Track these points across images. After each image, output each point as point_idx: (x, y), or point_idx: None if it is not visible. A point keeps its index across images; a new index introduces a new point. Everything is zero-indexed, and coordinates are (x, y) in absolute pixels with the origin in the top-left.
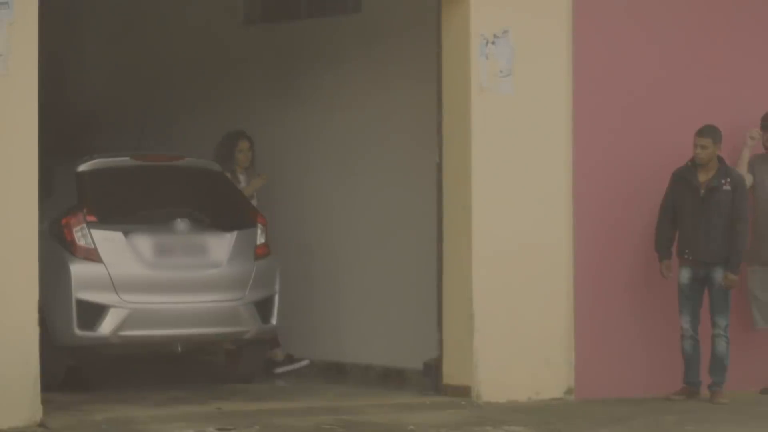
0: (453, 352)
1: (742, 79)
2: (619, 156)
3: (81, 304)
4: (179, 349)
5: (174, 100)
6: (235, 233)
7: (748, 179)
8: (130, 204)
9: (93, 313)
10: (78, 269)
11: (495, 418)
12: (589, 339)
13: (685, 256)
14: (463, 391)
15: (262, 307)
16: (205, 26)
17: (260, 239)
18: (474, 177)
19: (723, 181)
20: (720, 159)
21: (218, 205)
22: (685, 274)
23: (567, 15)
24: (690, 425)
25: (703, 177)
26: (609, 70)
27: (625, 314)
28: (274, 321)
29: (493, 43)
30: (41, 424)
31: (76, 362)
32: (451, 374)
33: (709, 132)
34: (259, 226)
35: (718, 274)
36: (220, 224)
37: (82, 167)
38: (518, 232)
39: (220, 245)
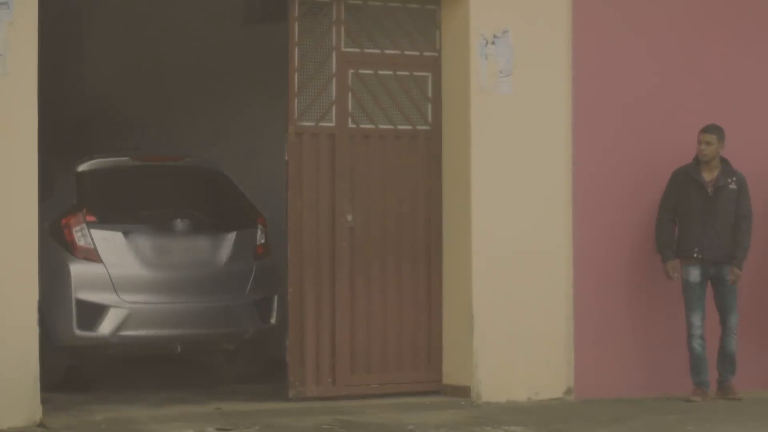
0: (453, 353)
1: (740, 80)
2: (619, 156)
3: (81, 304)
4: (179, 349)
5: (174, 100)
6: (235, 233)
7: None
8: (130, 204)
9: (93, 313)
10: (78, 269)
11: (494, 418)
12: (588, 339)
13: (695, 255)
14: (463, 391)
15: (262, 307)
16: (205, 26)
17: (260, 239)
18: (474, 177)
19: (729, 180)
20: (723, 159)
21: (218, 205)
22: (694, 273)
23: (566, 15)
24: (690, 425)
25: (708, 176)
26: (608, 70)
27: (625, 314)
28: (273, 321)
29: (493, 43)
30: (41, 424)
31: (76, 362)
32: (451, 374)
33: (713, 129)
34: (259, 226)
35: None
36: (220, 224)
37: (82, 167)
38: (518, 232)
39: (220, 245)
